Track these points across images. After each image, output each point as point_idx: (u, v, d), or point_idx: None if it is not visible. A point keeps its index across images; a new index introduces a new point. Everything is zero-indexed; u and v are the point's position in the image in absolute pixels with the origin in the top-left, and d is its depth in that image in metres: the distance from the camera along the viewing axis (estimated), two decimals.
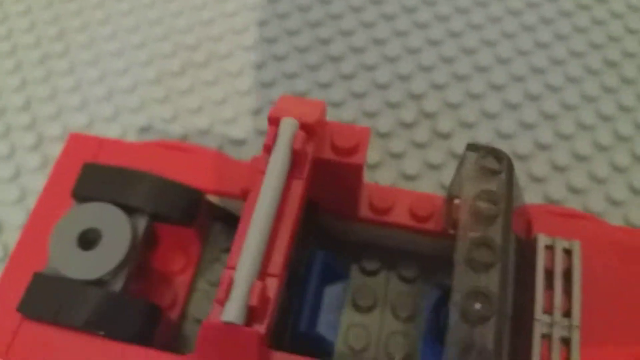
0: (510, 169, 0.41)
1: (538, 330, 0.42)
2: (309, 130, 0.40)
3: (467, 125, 0.68)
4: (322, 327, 0.46)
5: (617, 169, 0.65)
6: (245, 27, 0.77)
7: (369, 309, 0.50)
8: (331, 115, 0.67)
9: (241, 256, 0.36)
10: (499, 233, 0.39)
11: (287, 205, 0.38)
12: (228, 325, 0.34)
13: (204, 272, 0.51)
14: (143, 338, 0.44)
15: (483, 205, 0.40)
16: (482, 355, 0.35)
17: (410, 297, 0.50)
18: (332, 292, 0.49)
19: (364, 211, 0.49)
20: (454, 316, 0.36)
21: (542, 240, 0.45)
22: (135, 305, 0.45)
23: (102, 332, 0.44)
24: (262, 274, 0.36)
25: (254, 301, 0.34)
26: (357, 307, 0.50)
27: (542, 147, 0.66)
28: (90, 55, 0.75)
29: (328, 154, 0.43)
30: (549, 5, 0.78)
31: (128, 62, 0.74)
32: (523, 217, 0.47)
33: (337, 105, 0.70)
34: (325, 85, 0.71)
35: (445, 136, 0.67)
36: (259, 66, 0.73)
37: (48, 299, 0.44)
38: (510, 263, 0.44)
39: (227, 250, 0.51)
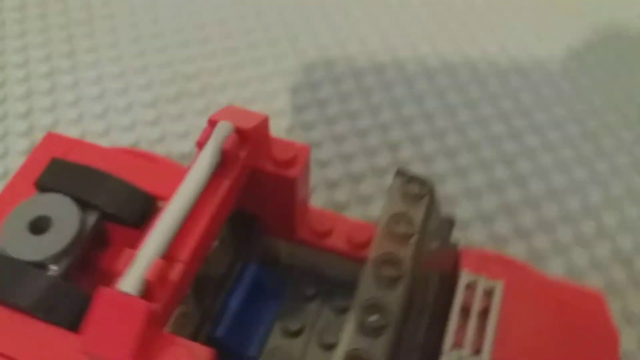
0: (432, 195, 0.43)
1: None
2: (244, 135, 0.43)
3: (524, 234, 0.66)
4: (241, 339, 0.47)
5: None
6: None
7: (296, 334, 0.50)
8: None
9: (147, 237, 0.38)
10: (410, 252, 0.40)
11: (208, 201, 0.40)
12: (121, 293, 0.35)
13: None
14: (75, 326, 0.45)
15: (398, 226, 0.41)
16: None
17: (339, 327, 0.51)
18: (260, 308, 0.50)
19: (302, 233, 0.51)
20: (349, 327, 0.37)
21: (465, 276, 0.46)
22: (72, 293, 0.46)
23: (38, 314, 0.45)
24: (168, 257, 0.38)
25: (151, 275, 0.36)
26: (285, 330, 0.50)
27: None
28: (94, 74, 0.81)
29: (264, 165, 0.45)
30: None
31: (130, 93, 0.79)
32: (450, 255, 0.48)
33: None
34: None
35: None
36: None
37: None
38: (426, 291, 0.45)
39: None
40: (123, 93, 0.79)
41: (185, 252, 0.38)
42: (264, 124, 0.45)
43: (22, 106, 0.77)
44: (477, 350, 0.43)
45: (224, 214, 0.42)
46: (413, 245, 0.41)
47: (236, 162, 0.42)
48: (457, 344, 0.43)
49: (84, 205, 0.51)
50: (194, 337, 0.45)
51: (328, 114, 0.76)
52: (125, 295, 0.35)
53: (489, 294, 0.46)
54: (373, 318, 0.37)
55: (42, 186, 0.52)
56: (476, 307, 0.45)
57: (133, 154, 0.57)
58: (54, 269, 0.48)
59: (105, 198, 0.51)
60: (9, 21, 0.88)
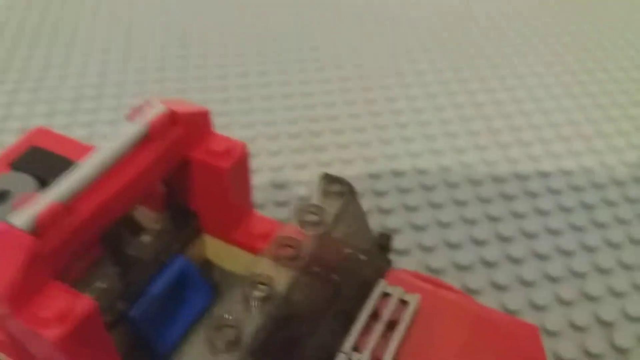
0: (351, 194, 0.43)
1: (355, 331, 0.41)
2: (176, 118, 0.45)
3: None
4: (156, 329, 0.47)
5: None
6: None
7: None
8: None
9: (51, 185, 0.40)
10: (315, 240, 0.40)
11: (125, 168, 0.42)
12: (10, 225, 0.36)
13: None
14: None
15: (308, 216, 0.42)
16: None
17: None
18: (183, 305, 0.50)
19: (238, 235, 0.51)
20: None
21: (382, 285, 0.45)
22: None
23: None
24: (70, 207, 0.39)
25: (43, 215, 0.37)
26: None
27: None
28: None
29: (198, 154, 0.47)
30: None
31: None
32: (377, 268, 0.47)
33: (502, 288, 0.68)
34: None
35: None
36: None
37: None
38: (336, 291, 0.44)
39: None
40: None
41: (88, 206, 0.40)
42: (203, 115, 0.47)
43: None
44: (377, 358, 0.41)
45: (142, 185, 0.44)
46: (318, 233, 0.41)
47: (164, 140, 0.44)
48: (358, 349, 0.42)
49: (44, 185, 0.54)
50: (107, 312, 0.46)
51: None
52: (14, 227, 0.37)
53: (404, 305, 0.44)
54: (260, 290, 0.37)
55: (15, 167, 0.56)
56: (386, 313, 0.43)
57: None
58: None
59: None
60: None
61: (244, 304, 0.37)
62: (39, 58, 1.03)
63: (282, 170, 0.80)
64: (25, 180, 0.55)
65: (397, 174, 0.81)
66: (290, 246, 0.40)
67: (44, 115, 0.91)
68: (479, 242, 0.71)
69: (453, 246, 0.71)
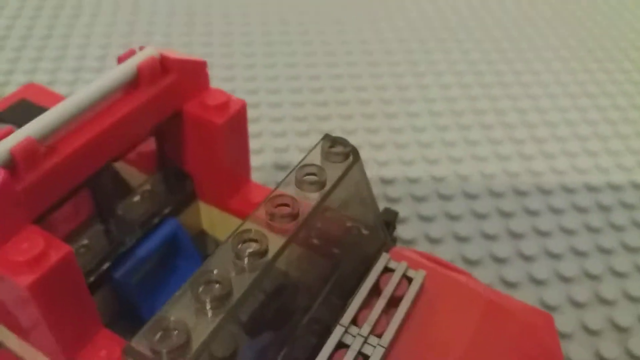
0: (354, 157, 0.40)
1: (337, 335, 0.37)
2: (168, 64, 0.42)
3: None
4: (140, 292, 0.44)
5: None
6: None
7: None
8: None
9: (33, 121, 0.37)
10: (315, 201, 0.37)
11: (110, 112, 0.39)
12: None
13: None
14: None
15: (307, 177, 0.38)
16: None
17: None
18: (171, 270, 0.47)
19: (234, 202, 0.48)
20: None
21: (385, 259, 0.41)
22: None
23: None
24: (48, 146, 0.36)
25: (17, 150, 0.34)
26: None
27: None
28: None
29: (191, 107, 0.44)
30: None
31: None
32: (380, 243, 0.44)
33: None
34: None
35: None
36: None
37: None
38: (334, 263, 0.41)
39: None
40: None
41: (69, 146, 0.37)
42: (199, 65, 0.44)
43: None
44: (377, 334, 0.38)
45: (128, 131, 0.41)
46: (319, 194, 0.37)
47: (153, 86, 0.41)
48: (357, 323, 0.38)
49: None
50: (91, 272, 0.42)
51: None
52: None
53: (407, 282, 0.41)
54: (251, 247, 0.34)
55: (1, 118, 0.53)
56: (389, 289, 0.39)
57: None
58: None
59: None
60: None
61: (233, 260, 0.33)
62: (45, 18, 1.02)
63: (287, 152, 0.77)
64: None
65: (405, 162, 0.77)
66: (286, 205, 0.37)
67: (47, 72, 0.89)
68: (489, 237, 0.68)
69: (462, 239, 0.67)
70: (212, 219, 0.51)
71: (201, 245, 0.52)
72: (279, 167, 0.75)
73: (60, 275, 0.33)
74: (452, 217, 0.70)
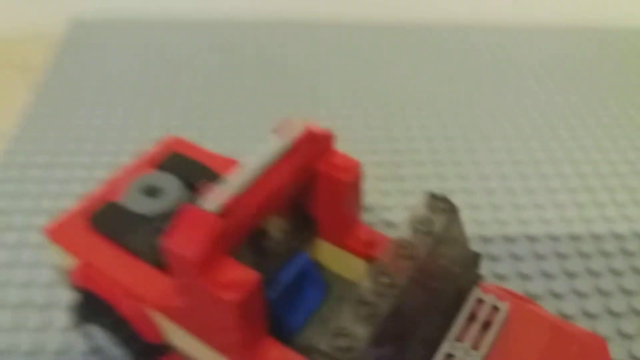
0: (453, 210, 0.53)
1: (446, 347, 0.50)
2: (312, 136, 0.55)
3: None
4: (288, 309, 0.57)
5: None
6: None
7: None
8: None
9: (232, 175, 0.50)
10: (426, 245, 0.49)
11: (274, 174, 0.52)
12: (199, 209, 0.46)
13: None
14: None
15: (419, 227, 0.51)
16: None
17: None
18: (304, 296, 0.60)
19: (349, 242, 0.61)
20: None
21: (477, 292, 0.54)
22: None
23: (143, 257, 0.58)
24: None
25: (228, 202, 0.47)
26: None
27: None
28: None
29: (323, 167, 0.57)
30: None
31: None
32: (471, 280, 0.56)
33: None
34: None
35: None
36: None
37: (114, 222, 0.61)
38: (440, 294, 0.53)
39: None
40: None
41: (251, 202, 0.50)
42: (329, 137, 0.58)
43: None
44: (474, 347, 0.50)
45: (284, 192, 0.54)
46: (430, 241, 0.50)
47: (302, 153, 0.55)
48: (460, 340, 0.51)
49: (189, 187, 0.65)
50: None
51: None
52: (202, 211, 0.47)
53: (495, 311, 0.53)
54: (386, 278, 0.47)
55: (161, 167, 0.67)
56: (482, 315, 0.52)
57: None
58: (159, 225, 0.61)
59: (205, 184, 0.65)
60: None
61: (374, 288, 0.46)
62: None
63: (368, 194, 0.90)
64: (172, 180, 0.65)
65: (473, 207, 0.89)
66: (405, 248, 0.49)
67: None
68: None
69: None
70: (329, 253, 0.64)
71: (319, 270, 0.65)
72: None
73: (254, 295, 0.47)
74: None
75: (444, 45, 1.32)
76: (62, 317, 0.71)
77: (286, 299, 0.57)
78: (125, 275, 0.56)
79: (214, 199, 0.48)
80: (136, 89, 1.13)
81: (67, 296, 0.72)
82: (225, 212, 0.48)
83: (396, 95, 1.15)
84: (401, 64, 1.25)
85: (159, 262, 0.56)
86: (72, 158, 0.96)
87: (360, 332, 0.44)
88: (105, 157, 0.96)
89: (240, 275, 0.47)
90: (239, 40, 1.29)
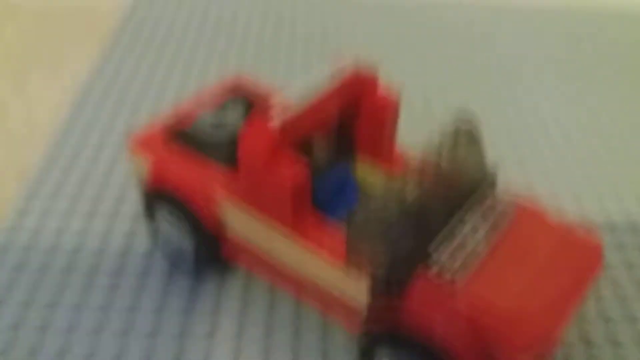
0: (475, 137, 0.63)
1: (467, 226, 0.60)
2: (361, 76, 0.66)
3: None
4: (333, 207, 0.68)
5: None
6: None
7: None
8: None
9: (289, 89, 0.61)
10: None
11: (327, 95, 0.63)
12: (268, 123, 0.58)
13: None
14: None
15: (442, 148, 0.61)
16: None
17: None
18: (342, 199, 0.70)
19: (389, 165, 0.71)
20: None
21: (491, 197, 0.64)
22: None
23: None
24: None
25: (286, 120, 0.58)
26: None
27: None
28: None
29: (367, 95, 0.68)
30: None
31: None
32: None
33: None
34: None
35: None
36: None
37: (188, 136, 0.71)
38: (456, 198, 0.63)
39: None
40: None
41: (305, 122, 0.62)
42: (375, 75, 0.69)
43: None
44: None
45: (331, 116, 0.65)
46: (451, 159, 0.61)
47: (349, 84, 0.66)
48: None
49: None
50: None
51: None
52: (270, 125, 0.58)
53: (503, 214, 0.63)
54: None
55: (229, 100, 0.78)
56: (492, 216, 0.62)
57: None
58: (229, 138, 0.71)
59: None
60: None
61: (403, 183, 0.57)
62: None
63: None
64: (240, 110, 0.76)
65: None
66: (429, 164, 0.60)
67: None
68: None
69: None
70: (366, 174, 0.75)
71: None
72: None
73: (304, 182, 0.58)
74: None
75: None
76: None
77: (330, 196, 0.68)
78: (198, 172, 0.68)
79: (278, 117, 0.60)
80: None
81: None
82: (283, 127, 0.60)
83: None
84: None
85: (231, 163, 0.67)
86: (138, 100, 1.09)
87: (392, 206, 0.55)
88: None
89: (294, 167, 0.59)
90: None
